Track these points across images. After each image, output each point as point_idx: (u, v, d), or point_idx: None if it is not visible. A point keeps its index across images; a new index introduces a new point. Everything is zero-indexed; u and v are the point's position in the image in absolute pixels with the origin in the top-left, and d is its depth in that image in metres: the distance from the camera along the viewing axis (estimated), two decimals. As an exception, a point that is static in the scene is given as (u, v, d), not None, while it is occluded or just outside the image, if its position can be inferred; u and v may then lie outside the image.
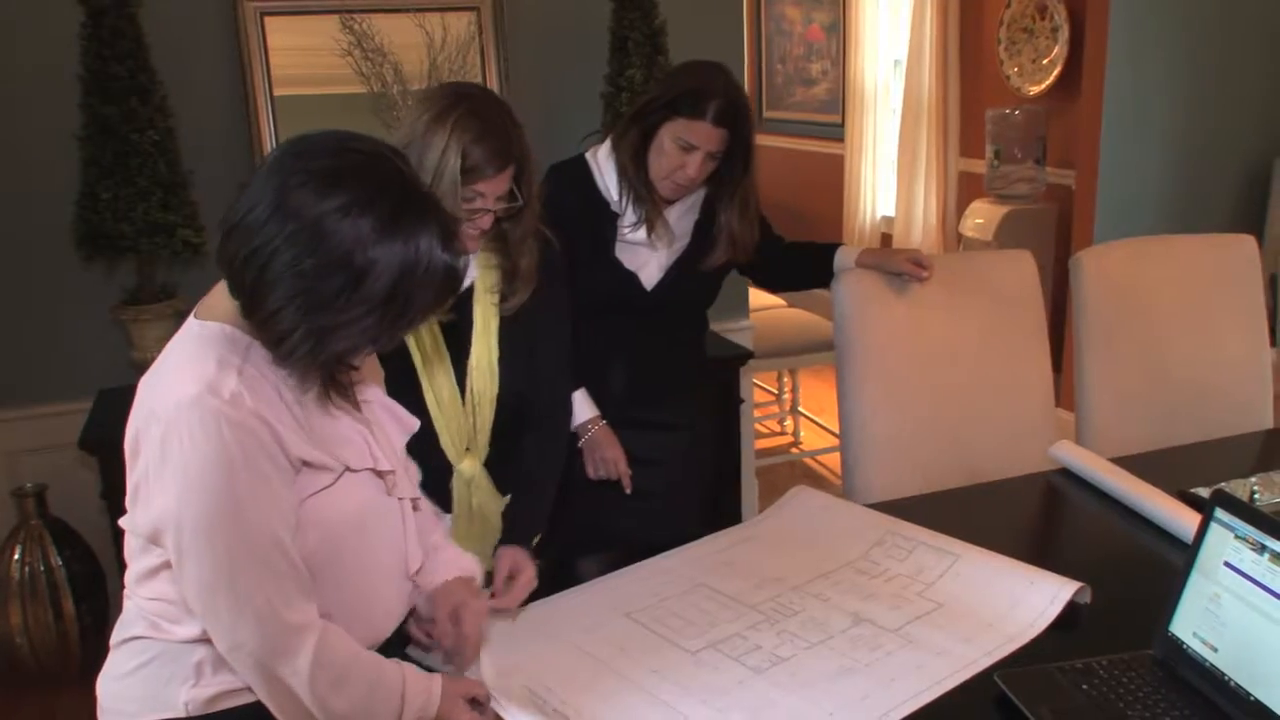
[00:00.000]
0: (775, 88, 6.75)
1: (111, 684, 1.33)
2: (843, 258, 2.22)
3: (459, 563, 1.51)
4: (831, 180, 6.16)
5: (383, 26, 3.03)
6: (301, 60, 3.06)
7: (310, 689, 1.20)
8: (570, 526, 1.99)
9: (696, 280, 2.18)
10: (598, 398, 2.12)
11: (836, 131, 6.13)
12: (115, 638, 1.34)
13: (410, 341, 1.72)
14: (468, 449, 1.80)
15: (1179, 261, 2.46)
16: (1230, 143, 4.18)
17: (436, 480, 1.74)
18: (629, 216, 2.07)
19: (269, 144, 3.04)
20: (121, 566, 1.33)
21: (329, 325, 1.16)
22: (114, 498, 2.68)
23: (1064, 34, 4.49)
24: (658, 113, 2.00)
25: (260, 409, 1.18)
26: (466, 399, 1.78)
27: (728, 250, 2.13)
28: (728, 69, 2.04)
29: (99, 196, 2.64)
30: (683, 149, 1.98)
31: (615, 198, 2.07)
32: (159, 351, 2.86)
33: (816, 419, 4.81)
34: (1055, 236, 4.61)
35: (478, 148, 1.60)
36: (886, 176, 5.92)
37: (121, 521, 1.29)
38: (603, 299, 2.08)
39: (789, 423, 4.88)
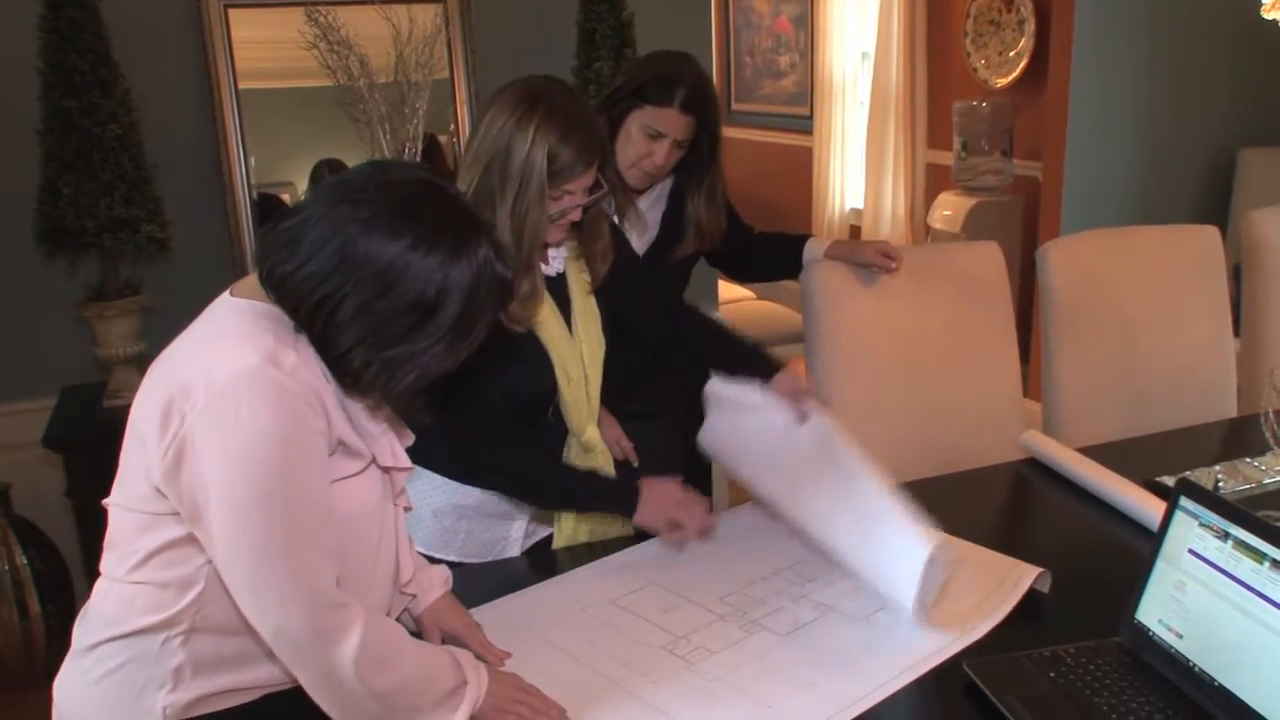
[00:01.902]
0: (743, 80, 6.75)
1: (76, 691, 1.27)
2: (811, 249, 2.23)
3: (439, 576, 1.53)
4: (800, 173, 6.18)
5: (348, 19, 3.01)
6: (266, 53, 3.04)
7: (355, 669, 1.17)
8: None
9: (667, 271, 2.18)
10: None
11: (805, 124, 6.15)
12: (81, 641, 1.28)
13: (540, 328, 1.73)
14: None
15: (1144, 252, 2.48)
16: (1195, 135, 4.22)
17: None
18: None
19: (234, 138, 3.01)
20: (89, 563, 1.30)
21: (401, 357, 1.18)
22: (79, 496, 2.66)
23: (1030, 26, 4.52)
24: (624, 101, 2.00)
25: (315, 385, 1.19)
26: (579, 372, 1.80)
27: (695, 240, 2.14)
28: (694, 57, 2.04)
29: (60, 192, 2.60)
30: (650, 137, 1.99)
31: None
32: (124, 348, 2.87)
33: (787, 411, 4.81)
34: (1022, 228, 4.64)
35: (565, 148, 1.58)
36: (855, 169, 5.94)
37: (110, 501, 1.26)
38: None
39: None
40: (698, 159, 2.07)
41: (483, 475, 1.73)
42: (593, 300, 1.82)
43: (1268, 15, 3.39)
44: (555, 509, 1.80)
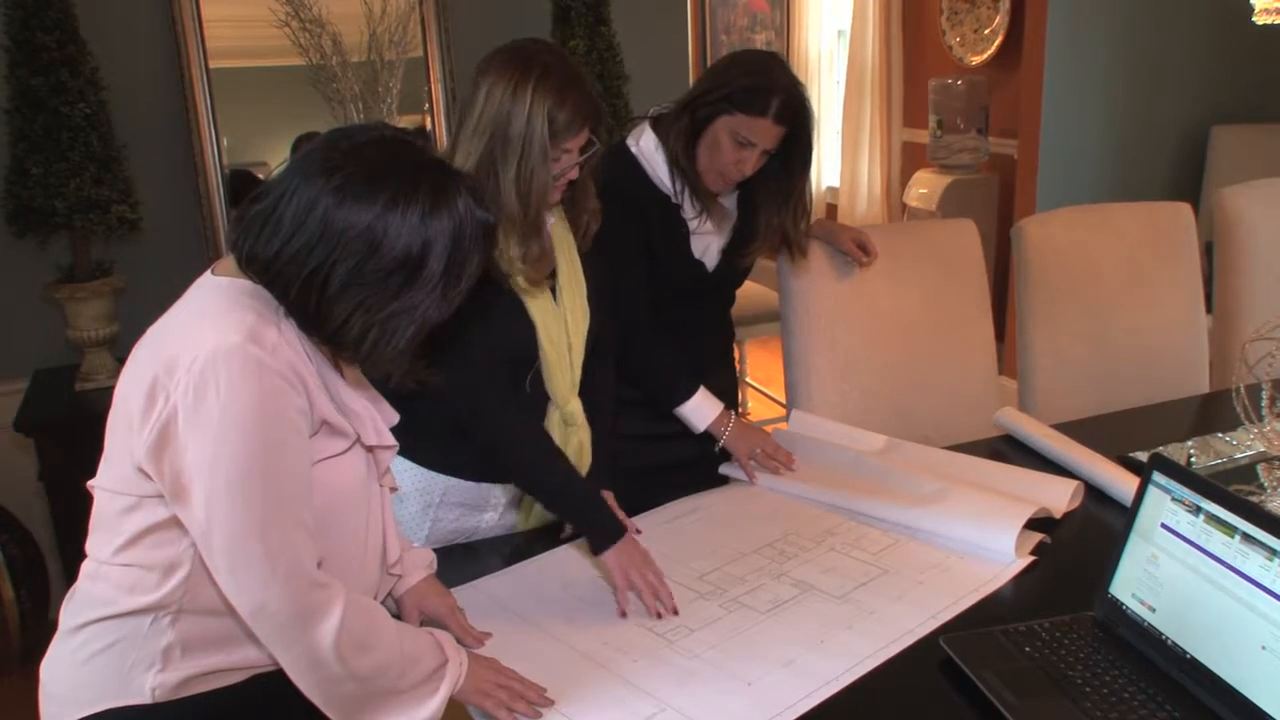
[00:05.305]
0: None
1: (64, 671, 1.27)
2: (789, 227, 2.21)
3: (423, 558, 1.53)
4: (777, 151, 6.16)
5: (320, -4, 2.98)
6: (237, 31, 3.01)
7: (335, 650, 1.18)
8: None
9: (736, 271, 2.15)
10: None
11: (781, 102, 6.13)
12: (70, 621, 1.28)
13: (524, 296, 1.70)
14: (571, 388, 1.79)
15: (1117, 229, 2.49)
16: (1167, 112, 4.25)
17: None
18: (688, 209, 2.00)
19: (205, 117, 2.98)
20: (63, 547, 1.29)
21: (396, 312, 1.19)
22: (52, 480, 2.63)
23: (1005, 4, 4.52)
24: (713, 106, 1.90)
25: (296, 363, 1.19)
26: (563, 339, 1.77)
27: (769, 243, 2.08)
28: (784, 59, 1.94)
29: (29, 172, 2.57)
30: (739, 145, 1.89)
31: (670, 189, 1.99)
32: (96, 330, 2.83)
33: (764, 389, 4.83)
34: (998, 205, 4.66)
35: (562, 111, 1.58)
36: (831, 147, 5.94)
37: (95, 483, 1.25)
38: (673, 288, 2.05)
39: (737, 393, 4.89)
40: (787, 167, 1.98)
41: (481, 445, 1.67)
42: (579, 267, 1.79)
43: (1260, 21, 3.35)
44: (531, 494, 1.76)
